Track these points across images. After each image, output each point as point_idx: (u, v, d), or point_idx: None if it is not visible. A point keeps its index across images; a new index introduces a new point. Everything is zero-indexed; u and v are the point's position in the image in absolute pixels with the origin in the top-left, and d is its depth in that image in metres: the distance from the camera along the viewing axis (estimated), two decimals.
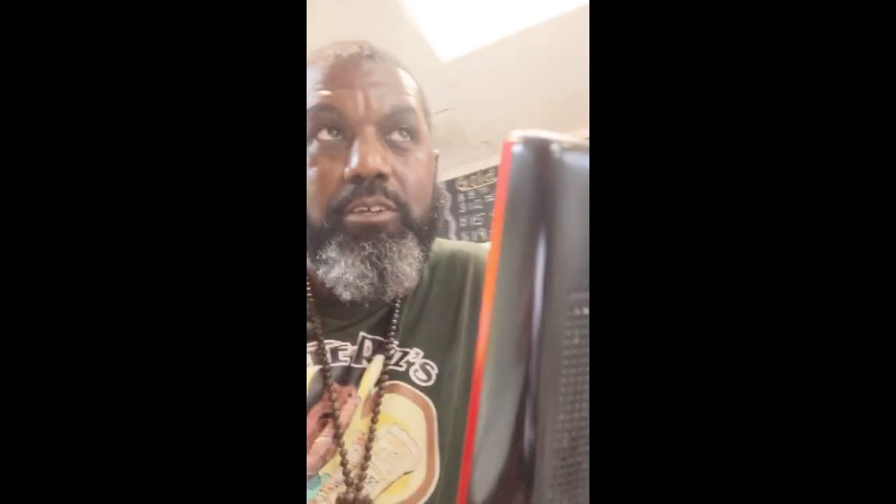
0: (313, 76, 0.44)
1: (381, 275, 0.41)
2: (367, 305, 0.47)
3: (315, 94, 0.42)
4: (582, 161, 0.17)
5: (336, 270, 0.41)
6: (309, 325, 0.47)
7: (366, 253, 0.40)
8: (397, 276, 0.41)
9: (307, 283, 0.50)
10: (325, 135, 0.42)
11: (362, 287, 0.40)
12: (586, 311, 0.17)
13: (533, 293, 0.16)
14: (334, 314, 0.47)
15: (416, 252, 0.43)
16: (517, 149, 0.17)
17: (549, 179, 0.16)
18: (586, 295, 0.17)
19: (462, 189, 2.55)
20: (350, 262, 0.40)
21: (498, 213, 0.17)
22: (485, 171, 2.51)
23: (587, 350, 0.17)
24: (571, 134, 0.17)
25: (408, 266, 0.42)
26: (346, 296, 0.41)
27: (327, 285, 0.42)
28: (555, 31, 1.70)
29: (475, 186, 2.52)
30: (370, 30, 1.63)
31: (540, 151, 0.16)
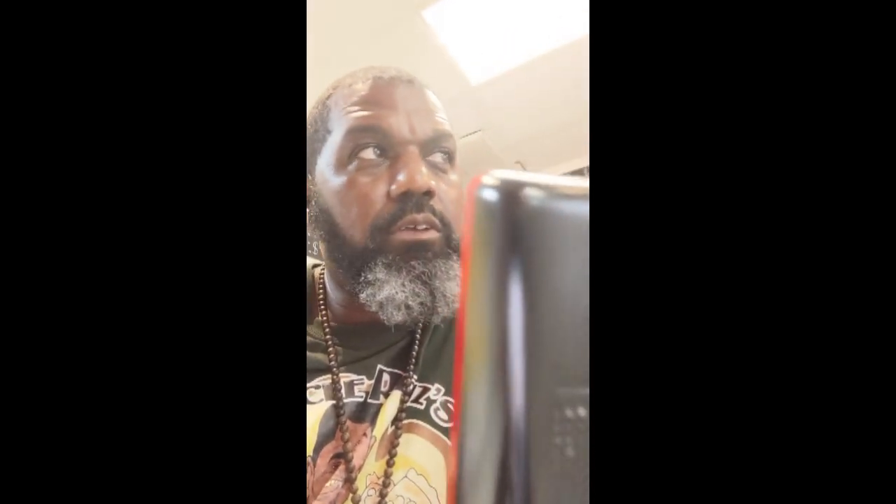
0: (349, 97, 0.44)
1: (433, 294, 0.40)
2: (418, 328, 0.45)
3: (355, 114, 0.42)
4: (571, 209, 0.12)
5: (385, 291, 0.39)
6: (322, 356, 0.44)
7: (416, 272, 0.40)
8: (447, 297, 0.40)
9: (324, 310, 0.48)
10: (369, 154, 0.42)
11: (413, 307, 0.39)
12: (583, 412, 0.12)
13: (508, 391, 0.12)
14: (352, 344, 0.45)
15: (461, 273, 0.41)
16: (484, 193, 0.13)
17: (521, 234, 0.12)
18: (585, 391, 0.12)
19: None
20: (400, 282, 0.39)
21: (463, 267, 0.13)
22: None
23: (586, 464, 0.12)
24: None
25: (457, 286, 0.41)
26: (397, 317, 0.40)
27: (373, 308, 0.40)
28: (581, 53, 1.67)
29: None
30: (402, 53, 1.65)
31: (510, 197, 0.12)
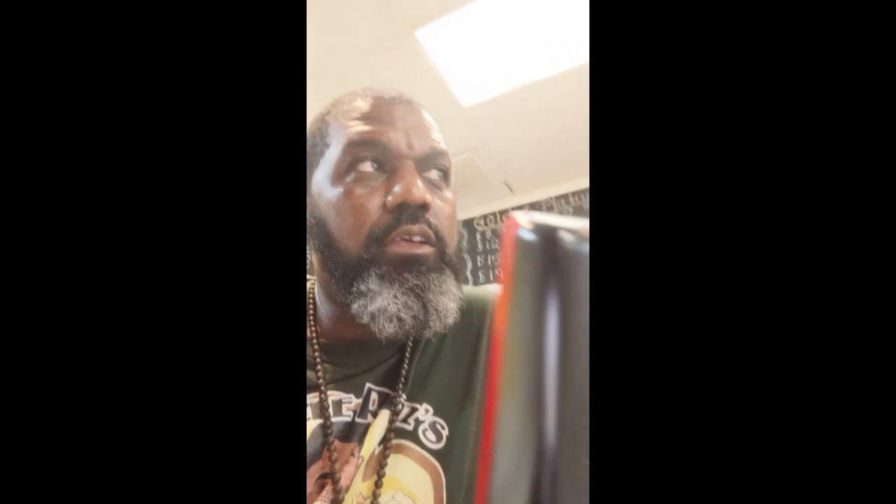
0: (350, 113, 0.44)
1: (425, 307, 0.39)
2: (408, 346, 0.45)
3: (355, 128, 0.43)
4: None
5: (377, 302, 0.39)
6: (311, 373, 0.43)
7: (409, 284, 0.39)
8: (439, 311, 0.40)
9: (313, 325, 0.47)
10: (366, 167, 0.42)
11: (405, 319, 0.39)
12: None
13: (542, 415, 0.13)
14: (340, 361, 0.45)
15: (454, 288, 0.42)
16: (524, 234, 0.14)
17: (556, 272, 0.13)
18: None
19: (480, 228, 2.54)
20: (392, 293, 0.39)
21: (502, 299, 0.15)
22: (503, 212, 2.50)
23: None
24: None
25: (449, 301, 0.41)
26: (388, 329, 0.39)
27: (364, 320, 0.40)
28: (569, 83, 1.73)
29: (493, 226, 2.51)
30: (395, 72, 1.67)
31: (547, 239, 0.14)
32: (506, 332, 0.14)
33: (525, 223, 0.14)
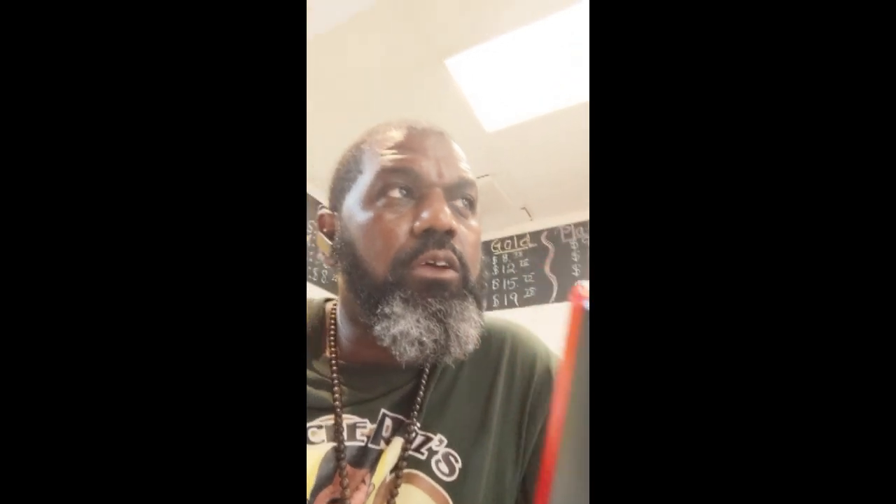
0: (384, 143, 0.46)
1: (447, 333, 0.40)
2: (425, 373, 0.45)
3: (389, 157, 0.45)
4: None
5: (400, 325, 0.39)
6: (327, 394, 0.44)
7: (433, 309, 0.40)
8: (460, 337, 0.40)
9: (333, 345, 0.48)
10: (396, 193, 0.43)
11: (427, 344, 0.39)
12: None
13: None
14: (357, 384, 0.45)
15: (475, 315, 0.42)
16: (589, 305, 0.15)
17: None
18: None
19: (496, 252, 2.54)
20: (416, 317, 0.39)
21: (566, 365, 0.15)
22: (520, 236, 2.50)
23: None
24: None
25: (471, 328, 0.41)
26: (410, 353, 0.39)
27: (386, 342, 0.40)
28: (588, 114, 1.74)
29: (509, 251, 2.51)
30: (425, 99, 1.71)
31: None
32: (568, 404, 0.15)
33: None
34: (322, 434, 0.42)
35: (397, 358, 0.40)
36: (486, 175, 2.12)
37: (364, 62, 1.60)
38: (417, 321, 0.39)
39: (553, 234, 2.42)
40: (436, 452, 0.42)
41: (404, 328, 0.39)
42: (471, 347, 0.41)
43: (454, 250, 0.42)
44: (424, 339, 0.39)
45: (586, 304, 0.15)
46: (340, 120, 1.70)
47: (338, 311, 0.51)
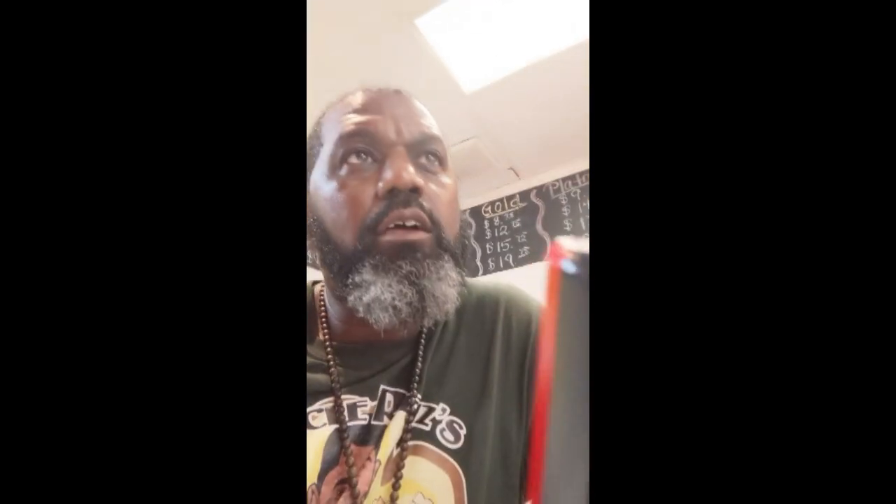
0: (342, 110, 0.45)
1: (421, 294, 0.39)
2: (420, 345, 0.45)
3: (346, 122, 0.43)
4: None
5: (371, 293, 0.39)
6: (324, 377, 0.43)
7: (403, 272, 0.39)
8: (436, 297, 0.39)
9: (324, 327, 0.47)
10: (355, 159, 0.42)
11: (401, 308, 0.38)
12: None
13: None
14: (353, 364, 0.44)
15: (454, 274, 0.41)
16: (568, 266, 0.14)
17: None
18: None
19: (487, 216, 2.53)
20: (387, 282, 0.38)
21: (549, 325, 0.15)
22: (510, 197, 2.49)
23: None
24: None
25: (447, 287, 0.40)
26: (384, 320, 0.38)
27: (360, 312, 0.40)
28: (569, 61, 1.70)
29: (500, 213, 2.50)
30: (396, 61, 1.66)
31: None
32: (556, 359, 0.14)
33: (570, 255, 0.15)
34: (323, 417, 0.41)
35: (374, 326, 0.39)
36: (470, 138, 2.08)
37: (329, 30, 1.53)
38: (389, 286, 0.38)
39: (542, 191, 2.40)
40: (440, 422, 0.42)
41: (375, 294, 0.38)
42: (450, 307, 0.40)
43: (422, 208, 0.40)
44: (397, 302, 0.38)
45: (566, 265, 0.15)
46: (310, 92, 1.64)
47: (325, 292, 0.50)
